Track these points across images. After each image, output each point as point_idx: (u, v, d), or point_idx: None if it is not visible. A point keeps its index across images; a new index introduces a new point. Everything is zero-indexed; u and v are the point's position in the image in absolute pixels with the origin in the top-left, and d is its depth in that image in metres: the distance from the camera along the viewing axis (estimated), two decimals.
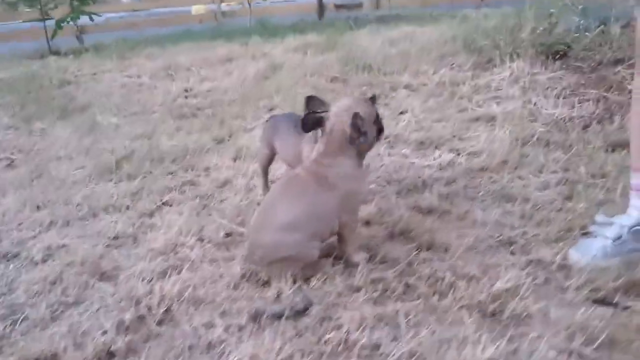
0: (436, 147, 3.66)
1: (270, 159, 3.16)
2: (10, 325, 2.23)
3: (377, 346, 1.91)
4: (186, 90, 6.18)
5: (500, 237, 2.51)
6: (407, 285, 2.23)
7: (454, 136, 3.79)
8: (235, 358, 1.91)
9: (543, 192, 2.86)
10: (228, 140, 4.31)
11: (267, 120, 3.27)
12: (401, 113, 4.46)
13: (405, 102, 4.64)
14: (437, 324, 2.00)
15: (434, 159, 3.46)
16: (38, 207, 3.42)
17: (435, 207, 2.83)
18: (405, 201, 2.96)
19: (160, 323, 2.16)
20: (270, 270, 2.31)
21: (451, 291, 2.15)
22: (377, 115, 2.43)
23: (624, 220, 2.22)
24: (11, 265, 2.74)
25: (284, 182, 2.46)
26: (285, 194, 2.42)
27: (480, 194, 2.96)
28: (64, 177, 3.85)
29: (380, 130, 2.46)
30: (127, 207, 3.27)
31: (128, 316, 2.18)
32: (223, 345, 1.98)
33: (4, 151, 4.61)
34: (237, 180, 3.48)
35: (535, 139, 3.54)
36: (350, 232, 2.39)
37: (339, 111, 2.35)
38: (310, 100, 2.56)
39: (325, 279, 2.33)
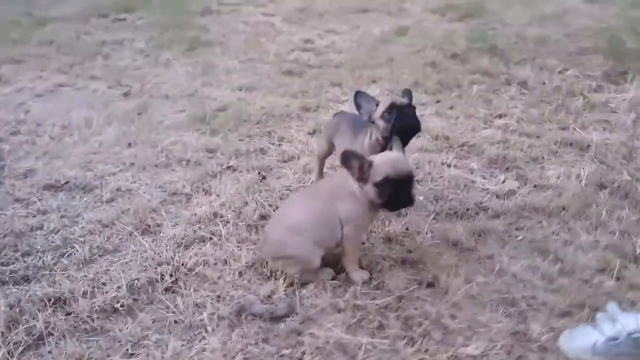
0: (507, 169, 3.51)
1: (327, 154, 3.31)
2: (58, 257, 2.69)
3: None
4: (306, 42, 6.34)
5: (507, 295, 2.47)
6: (384, 321, 2.31)
7: (533, 160, 3.59)
8: (203, 345, 2.17)
9: (582, 255, 2.70)
10: (314, 110, 4.47)
11: (333, 117, 3.38)
12: (498, 116, 4.27)
13: (509, 104, 4.45)
14: None
15: (496, 184, 3.35)
16: (129, 145, 3.92)
17: (463, 242, 2.80)
18: (438, 226, 2.98)
19: (165, 291, 2.50)
20: (275, 265, 2.53)
21: (421, 340, 2.21)
22: (406, 188, 2.42)
23: (628, 323, 2.09)
24: (84, 199, 3.24)
25: (310, 186, 2.58)
26: (301, 197, 2.60)
27: (518, 238, 2.86)
28: (162, 119, 4.32)
29: (403, 202, 2.46)
30: (198, 164, 3.62)
31: (143, 278, 2.54)
32: (200, 330, 2.26)
33: (126, 79, 5.21)
34: (301, 158, 3.67)
35: (616, 186, 3.25)
36: (350, 248, 2.51)
37: (380, 162, 2.40)
38: (358, 95, 2.74)
39: (319, 290, 2.49)
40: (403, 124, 2.70)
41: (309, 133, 4.04)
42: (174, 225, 2.96)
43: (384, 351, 2.17)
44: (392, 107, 2.71)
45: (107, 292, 2.44)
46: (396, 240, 2.83)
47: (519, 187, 3.27)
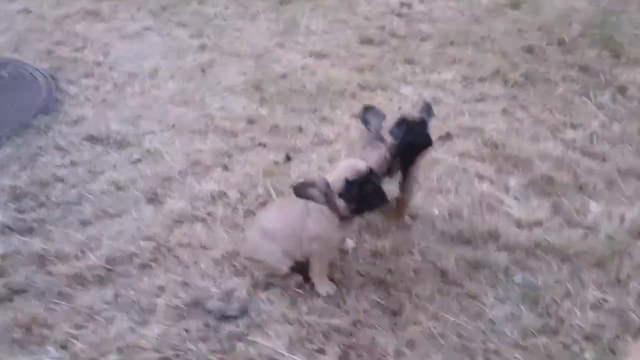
0: (546, 194, 3.19)
1: None
2: (65, 213, 2.99)
3: None
4: (402, 5, 6.06)
5: (470, 343, 2.33)
6: (325, 346, 2.31)
7: (581, 188, 3.26)
8: (146, 331, 2.34)
9: (577, 314, 2.45)
10: (372, 90, 4.34)
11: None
12: (571, 127, 3.85)
13: (592, 113, 4.00)
14: None
15: (525, 210, 3.07)
16: (181, 104, 4.10)
17: (451, 272, 2.66)
18: (434, 248, 2.85)
19: (140, 267, 2.69)
20: (247, 262, 2.60)
21: None
22: (372, 186, 2.31)
23: None
24: (116, 156, 3.50)
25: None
26: (280, 205, 2.61)
27: (515, 280, 2.65)
28: (222, 79, 4.45)
29: (373, 201, 2.36)
30: (234, 135, 3.73)
31: (125, 251, 2.75)
32: (151, 314, 2.43)
33: (209, 29, 5.37)
34: (335, 144, 3.66)
35: None
36: (316, 261, 2.50)
37: (334, 174, 2.33)
38: (365, 110, 2.63)
39: (280, 296, 2.54)
40: (411, 141, 2.56)
41: (356, 116, 3.92)
42: (178, 199, 3.07)
43: None
44: (401, 123, 2.55)
45: (88, 259, 2.64)
46: (383, 256, 2.73)
47: (547, 219, 2.95)
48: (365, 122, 2.61)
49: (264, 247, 2.44)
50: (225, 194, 3.13)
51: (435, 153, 3.46)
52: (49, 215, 2.94)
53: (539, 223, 2.95)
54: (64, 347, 2.25)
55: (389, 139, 2.55)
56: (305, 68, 4.59)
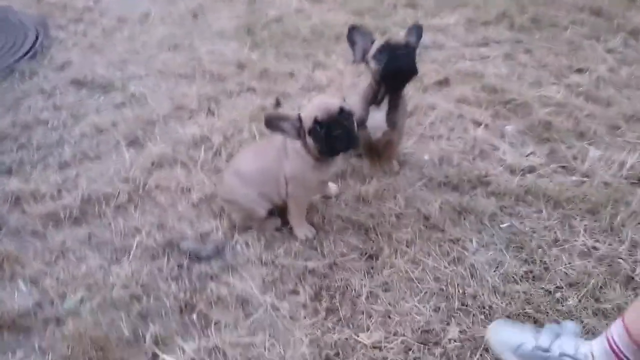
0: (543, 140, 3.08)
1: None
2: (45, 155, 2.95)
3: (210, 322, 2.12)
4: None
5: (446, 287, 2.27)
6: (298, 287, 2.27)
7: (581, 134, 3.14)
8: (118, 269, 2.32)
9: (563, 260, 2.36)
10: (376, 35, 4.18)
11: None
12: (577, 71, 3.70)
13: (600, 58, 3.84)
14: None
15: (519, 156, 2.97)
16: (169, 49, 4.02)
17: (434, 217, 2.58)
18: (420, 194, 2.77)
19: (116, 208, 2.65)
20: (224, 205, 2.55)
21: (322, 315, 2.15)
22: (343, 128, 2.21)
23: (567, 345, 1.86)
24: (100, 99, 3.45)
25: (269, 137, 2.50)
26: (256, 147, 2.54)
27: (502, 226, 2.57)
28: (214, 24, 4.35)
29: (342, 143, 2.25)
30: (221, 80, 3.65)
31: (102, 192, 2.71)
32: (123, 254, 2.40)
33: None
34: (328, 90, 3.54)
35: None
36: (294, 204, 2.43)
37: (306, 110, 2.24)
38: (352, 31, 2.49)
39: (256, 239, 2.49)
40: (395, 68, 2.44)
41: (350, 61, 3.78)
42: (161, 143, 3.01)
43: (281, 316, 2.12)
44: (384, 48, 2.43)
45: (64, 199, 2.61)
46: (366, 201, 2.66)
47: (541, 165, 2.84)
48: (352, 42, 2.49)
49: (240, 189, 2.38)
50: (208, 138, 3.05)
51: (430, 98, 3.34)
52: (29, 157, 2.91)
53: (532, 169, 2.84)
54: (34, 282, 2.23)
55: (372, 64, 2.42)
56: (301, 12, 4.45)
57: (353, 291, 2.22)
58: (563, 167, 2.84)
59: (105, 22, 4.33)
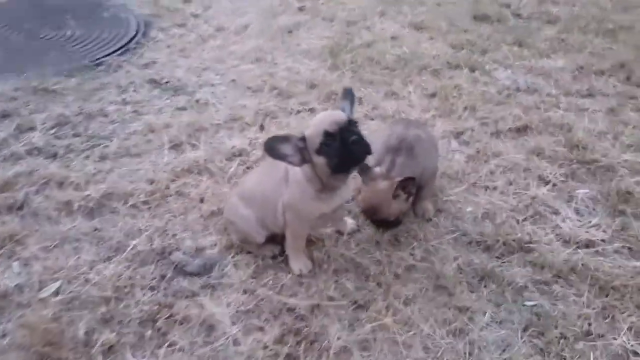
0: (619, 212, 2.63)
1: None
2: (94, 146, 3.11)
3: (165, 342, 2.06)
4: None
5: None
6: (269, 326, 2.13)
7: None
8: (103, 268, 2.35)
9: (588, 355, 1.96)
10: (459, 68, 3.93)
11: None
12: None
13: None
14: None
15: (580, 225, 2.57)
16: (253, 61, 4.08)
17: (446, 277, 2.30)
18: (442, 249, 2.49)
19: (131, 207, 2.71)
20: (226, 223, 2.50)
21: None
22: (353, 137, 2.01)
23: None
24: (167, 101, 3.59)
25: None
26: (264, 169, 2.45)
27: (527, 303, 2.22)
28: (304, 42, 4.35)
29: (357, 153, 2.05)
30: (289, 96, 3.63)
31: (123, 189, 2.78)
32: (117, 253, 2.43)
33: None
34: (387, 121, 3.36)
35: None
36: (291, 235, 2.30)
37: (311, 127, 2.09)
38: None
39: (249, 263, 2.39)
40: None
41: (428, 95, 3.58)
42: (200, 150, 3.04)
43: (238, 353, 2.00)
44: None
45: (86, 190, 2.71)
46: (379, 245, 2.45)
47: (603, 241, 2.41)
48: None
49: (241, 211, 2.30)
50: (247, 152, 3.00)
51: (499, 145, 3.01)
52: (77, 145, 3.04)
53: (590, 244, 2.42)
54: (25, 264, 2.30)
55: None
56: (396, 38, 4.28)
57: (326, 341, 2.00)
58: (629, 248, 2.37)
59: (204, 29, 4.50)
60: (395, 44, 4.19)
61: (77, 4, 4.81)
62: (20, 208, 2.63)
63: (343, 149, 1.95)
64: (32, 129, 3.16)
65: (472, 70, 3.81)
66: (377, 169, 2.34)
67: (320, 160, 2.00)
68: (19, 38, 4.21)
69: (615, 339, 2.02)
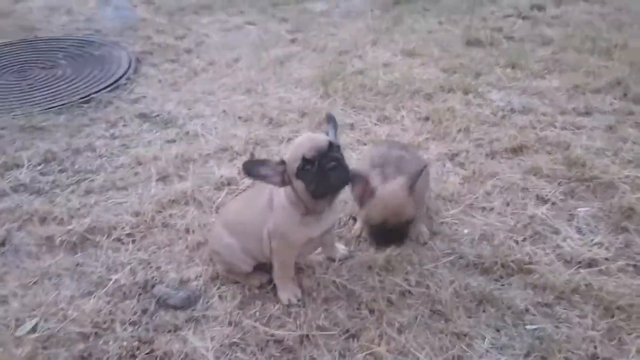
0: (623, 229, 2.53)
1: None
2: (80, 180, 3.06)
3: None
4: (533, 8, 5.45)
5: None
6: (254, 355, 2.02)
7: None
8: (83, 303, 2.26)
9: None
10: (449, 91, 3.88)
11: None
12: None
13: None
14: None
15: (582, 243, 2.46)
16: (244, 92, 4.07)
17: (443, 303, 2.19)
18: (438, 273, 2.39)
19: (114, 240, 2.63)
20: (211, 253, 2.42)
21: None
22: (333, 163, 1.94)
23: None
24: (157, 134, 3.55)
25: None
26: (247, 196, 2.38)
27: (528, 327, 2.10)
28: (293, 73, 4.33)
29: (336, 179, 1.98)
30: (279, 125, 3.58)
31: (107, 222, 2.71)
32: (98, 288, 2.34)
33: (311, 25, 5.35)
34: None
35: None
36: (278, 263, 2.21)
37: (290, 151, 2.03)
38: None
39: (234, 293, 2.31)
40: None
41: (421, 118, 3.53)
42: (188, 181, 2.97)
43: None
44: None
45: (69, 225, 2.64)
46: (372, 270, 2.35)
47: (607, 260, 2.31)
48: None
49: (225, 240, 2.23)
50: (234, 181, 2.93)
51: (495, 165, 2.94)
52: (63, 181, 2.99)
53: (593, 262, 2.33)
54: (3, 302, 2.22)
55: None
56: (388, 65, 4.26)
57: None
58: (634, 265, 2.26)
59: (196, 63, 4.50)
60: (387, 70, 4.17)
61: (69, 43, 4.83)
62: (2, 244, 2.55)
63: (320, 176, 1.89)
64: (18, 165, 3.12)
65: (466, 93, 3.76)
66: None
67: (299, 184, 1.94)
68: (9, 78, 4.21)
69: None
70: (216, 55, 4.62)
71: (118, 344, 2.06)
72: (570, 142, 3.14)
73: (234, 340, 2.07)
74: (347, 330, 2.09)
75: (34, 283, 2.36)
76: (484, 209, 2.69)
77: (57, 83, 4.14)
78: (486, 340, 2.02)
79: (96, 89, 3.99)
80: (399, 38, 4.82)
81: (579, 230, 2.53)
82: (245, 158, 3.17)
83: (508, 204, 2.70)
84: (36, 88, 4.05)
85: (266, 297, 2.25)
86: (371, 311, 2.16)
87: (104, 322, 2.15)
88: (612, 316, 2.06)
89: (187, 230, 2.62)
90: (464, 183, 2.85)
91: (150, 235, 2.59)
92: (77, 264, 2.46)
